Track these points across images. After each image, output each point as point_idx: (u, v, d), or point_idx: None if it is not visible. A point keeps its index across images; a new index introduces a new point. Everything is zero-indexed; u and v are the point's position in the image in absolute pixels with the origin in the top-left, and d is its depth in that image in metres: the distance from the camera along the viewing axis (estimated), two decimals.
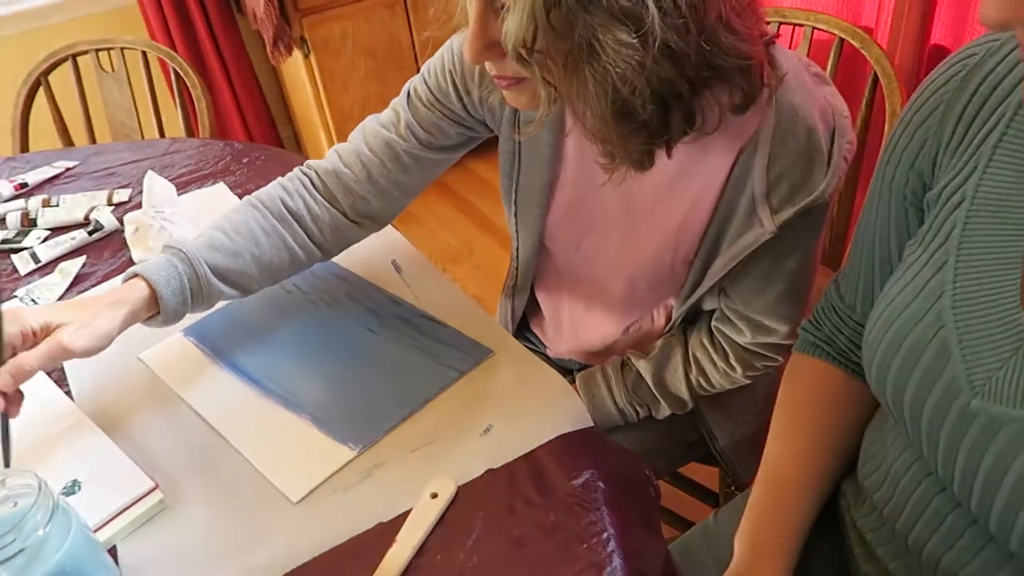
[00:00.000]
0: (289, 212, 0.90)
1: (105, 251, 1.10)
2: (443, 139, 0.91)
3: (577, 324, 1.04)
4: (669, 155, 0.71)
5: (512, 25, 0.61)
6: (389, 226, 1.06)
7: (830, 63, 1.19)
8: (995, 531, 0.53)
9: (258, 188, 1.19)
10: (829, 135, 0.75)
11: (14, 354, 0.72)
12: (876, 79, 1.14)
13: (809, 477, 0.74)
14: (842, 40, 1.17)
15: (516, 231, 0.96)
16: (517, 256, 1.00)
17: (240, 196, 1.18)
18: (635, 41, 0.59)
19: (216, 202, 1.18)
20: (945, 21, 1.34)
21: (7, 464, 0.71)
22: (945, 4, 1.33)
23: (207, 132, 1.58)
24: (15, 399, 0.72)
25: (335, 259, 1.00)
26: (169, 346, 0.90)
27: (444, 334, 0.88)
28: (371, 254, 1.01)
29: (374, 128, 0.93)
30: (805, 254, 0.82)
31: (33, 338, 0.73)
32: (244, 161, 1.28)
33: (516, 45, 0.62)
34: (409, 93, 0.91)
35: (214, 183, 1.23)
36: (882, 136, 1.22)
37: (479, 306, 0.92)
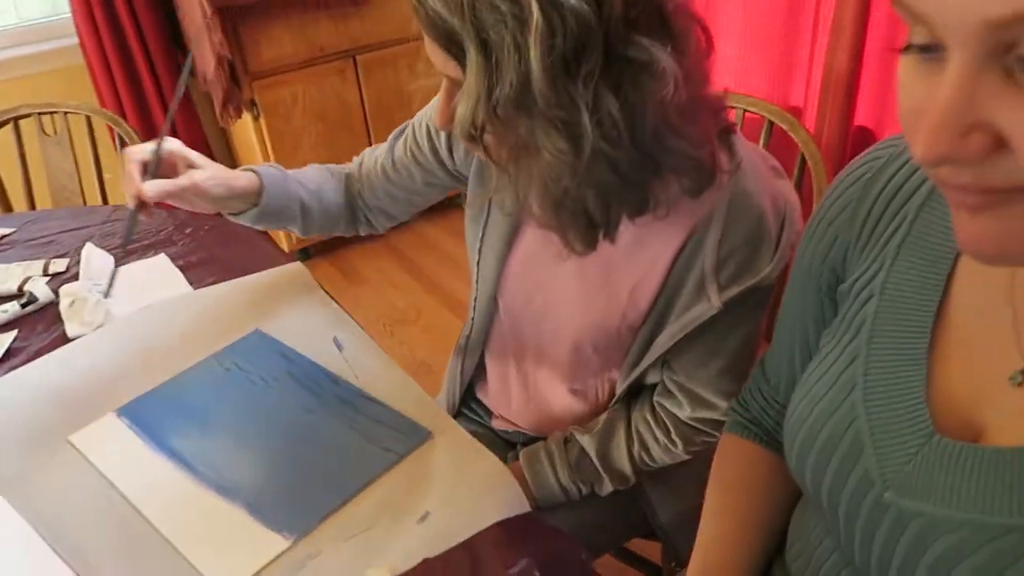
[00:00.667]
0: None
1: (38, 324, 1.08)
2: (408, 181, 1.00)
3: (525, 387, 1.05)
4: (612, 241, 0.75)
5: (460, 113, 0.66)
6: (331, 302, 1.07)
7: (761, 143, 1.25)
8: None
9: (200, 260, 1.20)
10: (778, 222, 0.79)
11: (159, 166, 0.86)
12: (804, 160, 1.19)
13: (740, 559, 0.76)
14: (771, 122, 1.23)
15: (476, 281, 0.99)
16: (474, 310, 1.02)
17: (182, 268, 1.17)
18: (567, 147, 0.64)
19: (156, 274, 1.16)
20: (868, 104, 1.43)
21: (123, 254, 0.94)
22: (867, 87, 1.41)
23: None
24: (149, 207, 0.87)
25: (277, 336, 1.00)
26: (101, 428, 0.88)
27: (383, 415, 0.88)
28: (313, 331, 1.01)
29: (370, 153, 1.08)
30: (748, 332, 0.85)
31: (174, 165, 0.89)
32: (187, 231, 1.27)
33: (465, 130, 0.67)
34: (401, 130, 1.01)
35: (155, 254, 1.21)
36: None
37: (420, 387, 0.92)
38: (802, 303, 0.71)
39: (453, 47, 0.65)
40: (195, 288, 1.13)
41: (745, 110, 1.26)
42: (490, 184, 0.78)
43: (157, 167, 0.87)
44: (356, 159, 1.09)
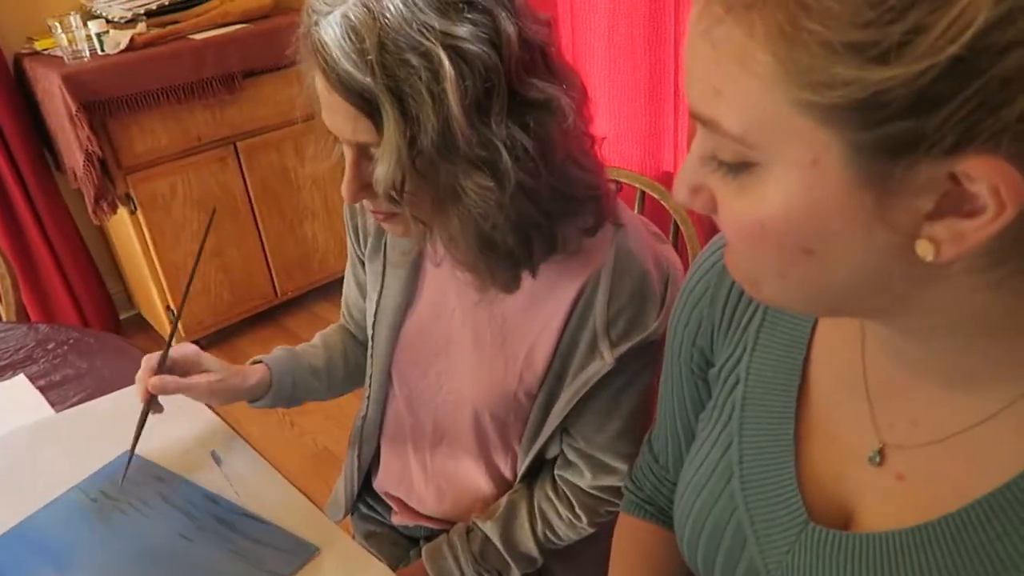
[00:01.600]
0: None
1: None
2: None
3: (425, 469, 1.02)
4: (534, 275, 0.79)
5: (381, 172, 0.68)
6: (209, 413, 1.01)
7: (635, 211, 1.28)
8: None
9: (64, 378, 1.12)
10: (662, 281, 0.82)
11: (171, 370, 0.88)
12: (677, 227, 1.24)
13: None
14: (644, 192, 1.27)
15: (371, 357, 0.98)
16: (369, 389, 1.01)
17: (42, 388, 1.09)
18: (493, 184, 0.68)
19: (14, 398, 1.08)
20: None
21: (130, 459, 0.89)
22: None
23: (12, 313, 1.46)
24: (158, 403, 0.89)
25: (151, 457, 0.94)
26: None
27: (265, 533, 0.83)
28: (189, 446, 0.96)
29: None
30: (641, 391, 0.87)
31: (186, 368, 0.90)
32: (49, 347, 1.19)
33: (387, 189, 0.69)
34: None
35: (13, 375, 1.13)
36: None
37: (305, 498, 0.87)
38: (678, 382, 0.72)
39: (367, 106, 0.66)
40: (57, 410, 1.05)
41: (619, 181, 1.30)
42: (412, 245, 0.84)
43: (164, 367, 0.88)
44: (342, 311, 1.12)
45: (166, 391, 0.87)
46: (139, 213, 2.23)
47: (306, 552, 0.80)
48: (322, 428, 2.17)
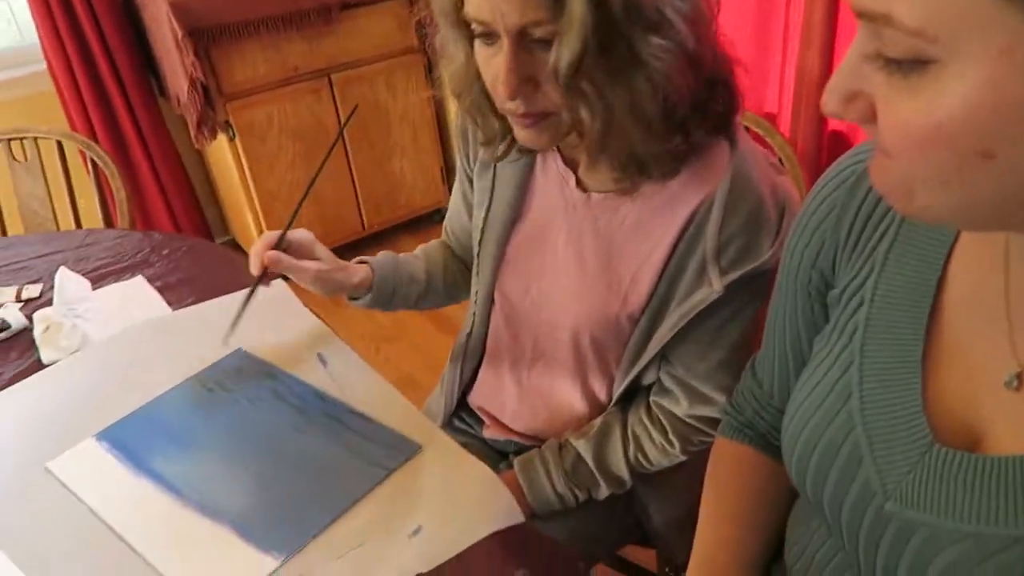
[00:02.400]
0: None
1: (12, 352, 1.05)
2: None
3: (521, 388, 1.04)
4: (677, 172, 0.79)
5: (567, 49, 0.67)
6: (315, 318, 1.06)
7: None
8: None
9: (178, 281, 1.18)
10: (778, 210, 0.80)
11: (287, 250, 0.92)
12: (781, 164, 1.20)
13: (739, 563, 0.75)
14: (747, 127, 1.24)
15: (476, 274, 1.00)
16: (475, 305, 1.03)
17: (160, 289, 1.15)
18: (668, 43, 0.69)
19: (133, 296, 1.14)
20: None
21: (233, 326, 0.94)
22: None
23: (126, 222, 1.54)
24: (268, 277, 0.92)
25: (261, 354, 0.98)
26: (79, 454, 0.86)
27: (371, 430, 0.86)
28: (298, 348, 1.00)
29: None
30: (746, 324, 0.86)
31: (301, 252, 0.93)
32: (164, 252, 1.25)
33: (568, 69, 0.68)
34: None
35: (132, 276, 1.19)
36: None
37: (407, 400, 0.91)
38: (791, 307, 0.70)
39: None
40: (174, 309, 1.11)
41: None
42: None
43: (282, 247, 0.92)
44: (443, 229, 1.14)
45: (279, 266, 0.90)
46: (237, 140, 2.30)
47: (410, 449, 0.84)
48: (407, 357, 2.23)
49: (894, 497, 0.54)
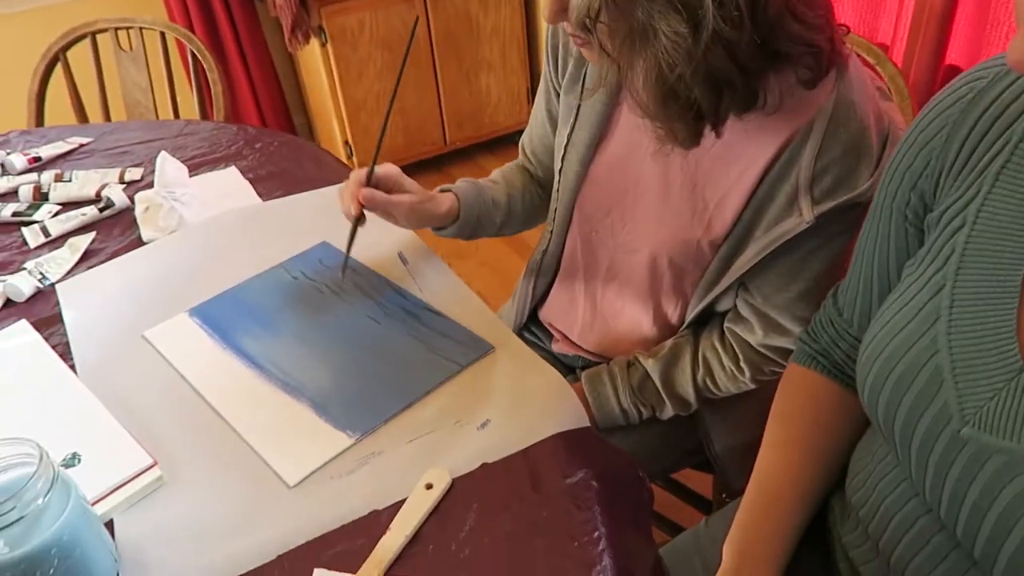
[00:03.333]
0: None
1: (115, 228, 1.11)
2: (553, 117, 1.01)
3: (593, 307, 1.04)
4: (718, 135, 0.75)
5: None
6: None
7: None
8: (979, 559, 0.54)
9: (269, 174, 1.21)
10: (881, 139, 0.76)
11: (376, 186, 0.90)
12: (890, 96, 1.14)
13: (800, 489, 0.75)
14: (857, 55, 1.17)
15: (557, 190, 0.99)
16: (553, 223, 1.03)
17: (251, 180, 1.19)
18: (686, 31, 0.63)
19: (227, 185, 1.18)
20: (961, 42, 1.35)
21: (346, 263, 0.96)
22: (962, 25, 1.33)
23: (221, 116, 1.58)
24: (364, 217, 0.92)
25: (344, 249, 1.01)
26: (174, 325, 0.91)
27: (447, 327, 0.88)
28: (379, 246, 1.02)
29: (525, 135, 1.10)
30: (834, 256, 0.83)
31: (389, 186, 0.91)
32: (257, 146, 1.28)
33: (580, 16, 0.68)
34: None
35: (226, 167, 1.23)
36: None
37: (483, 302, 0.92)
38: (884, 231, 0.68)
39: None
40: (264, 200, 1.14)
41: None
42: (596, 81, 0.80)
43: (371, 183, 0.90)
44: (520, 148, 1.12)
45: (375, 203, 0.89)
46: (329, 46, 2.31)
47: (482, 348, 0.85)
48: (477, 274, 2.26)
49: (972, 422, 0.53)
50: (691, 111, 0.71)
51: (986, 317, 0.54)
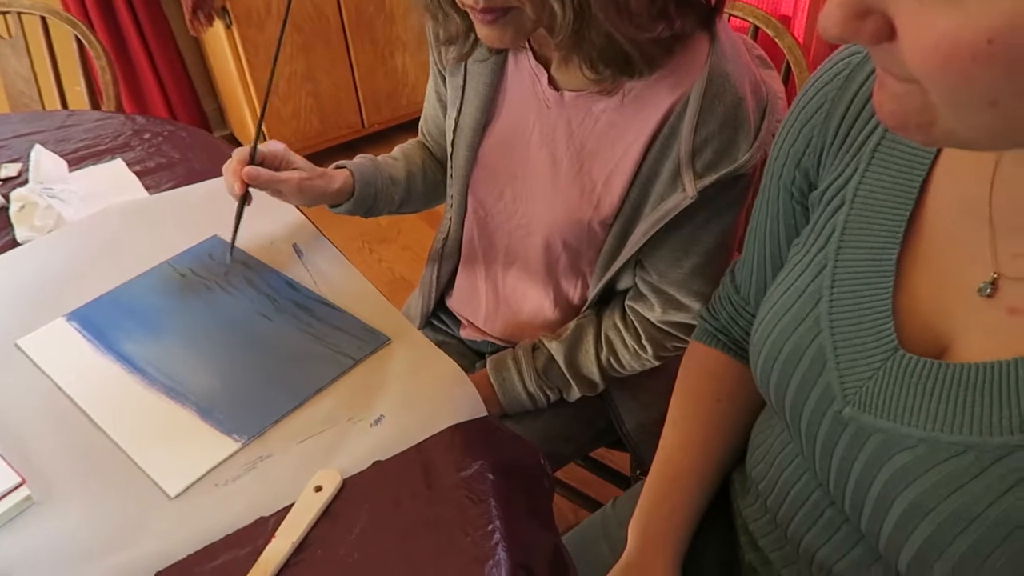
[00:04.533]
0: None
1: None
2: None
3: (495, 292, 1.03)
4: (660, 65, 0.74)
5: None
6: (294, 210, 1.03)
7: None
8: (865, 532, 0.54)
9: (159, 166, 1.15)
10: (759, 110, 0.76)
11: (261, 163, 0.87)
12: (789, 68, 1.14)
13: (702, 466, 0.75)
14: (757, 28, 1.17)
15: (450, 176, 0.97)
16: (451, 209, 1.01)
17: (138, 173, 1.13)
18: None
19: (112, 179, 1.12)
20: None
21: (232, 246, 0.92)
22: None
23: (112, 105, 1.50)
24: (250, 196, 0.89)
25: (238, 244, 0.97)
26: (50, 332, 0.86)
27: (341, 320, 0.85)
28: (274, 237, 0.98)
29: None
30: (723, 229, 0.83)
31: (276, 163, 0.89)
32: (145, 136, 1.22)
33: None
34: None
35: (111, 159, 1.16)
36: None
37: (381, 294, 0.89)
38: (773, 209, 0.68)
39: None
40: (152, 194, 1.09)
41: (730, 14, 1.20)
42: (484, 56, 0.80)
43: (255, 161, 0.87)
44: (419, 130, 1.11)
45: (259, 181, 0.86)
46: (234, 28, 2.22)
47: (378, 340, 0.83)
48: (399, 257, 2.22)
49: (852, 402, 0.53)
50: (658, 19, 0.69)
51: (864, 297, 0.54)
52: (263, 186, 0.87)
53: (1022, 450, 0.44)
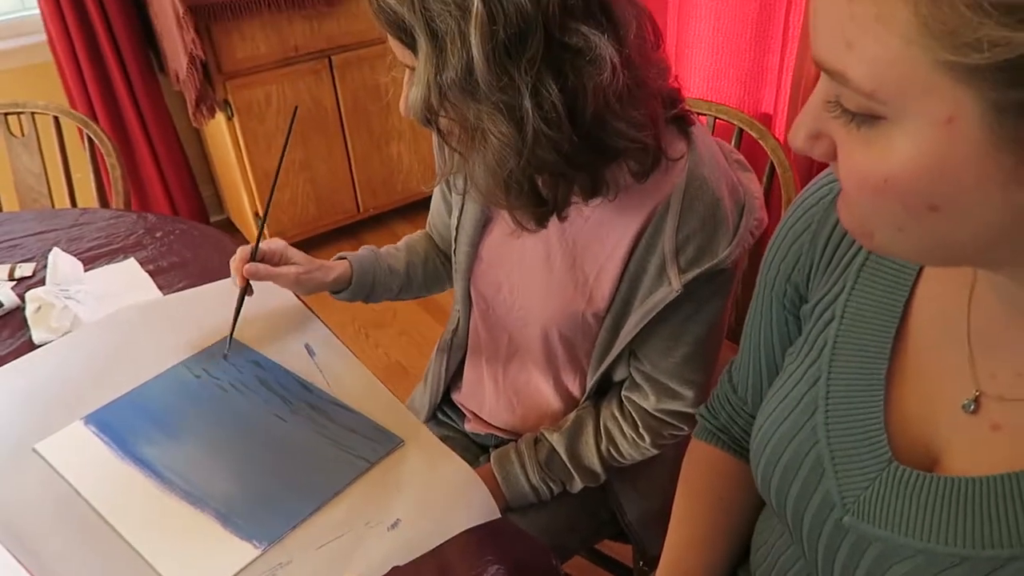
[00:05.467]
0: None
1: (3, 331, 1.06)
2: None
3: (498, 384, 1.05)
4: (561, 220, 0.81)
5: (412, 96, 0.72)
6: (304, 308, 1.07)
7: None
8: None
9: (171, 264, 1.19)
10: (737, 209, 0.82)
11: (262, 260, 0.96)
12: (773, 169, 1.21)
13: (707, 564, 0.77)
14: (742, 130, 1.25)
15: (455, 273, 1.02)
16: (458, 310, 1.05)
17: (151, 272, 1.16)
18: (511, 131, 0.69)
19: (125, 279, 1.15)
20: None
21: (231, 335, 1.00)
22: None
23: (121, 202, 1.55)
24: (251, 288, 0.98)
25: (248, 343, 1.00)
26: (67, 436, 0.87)
27: (355, 422, 0.88)
28: (285, 337, 1.01)
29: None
30: (711, 319, 0.87)
31: (275, 259, 0.98)
32: (157, 235, 1.26)
33: (416, 113, 0.73)
34: None
35: (124, 258, 1.20)
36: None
37: (391, 394, 0.92)
38: (767, 318, 0.72)
39: (405, 36, 0.70)
40: (165, 293, 1.12)
41: (716, 117, 1.27)
42: (443, 167, 0.83)
43: (256, 256, 0.96)
44: (427, 225, 1.17)
45: (258, 276, 0.94)
46: (235, 119, 2.30)
47: (392, 442, 0.85)
48: (396, 343, 2.24)
49: (852, 511, 0.56)
50: (529, 199, 0.76)
51: (857, 408, 0.58)
52: (262, 279, 0.95)
53: (1014, 563, 0.47)
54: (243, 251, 0.96)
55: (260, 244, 0.96)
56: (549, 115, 0.68)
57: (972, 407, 0.52)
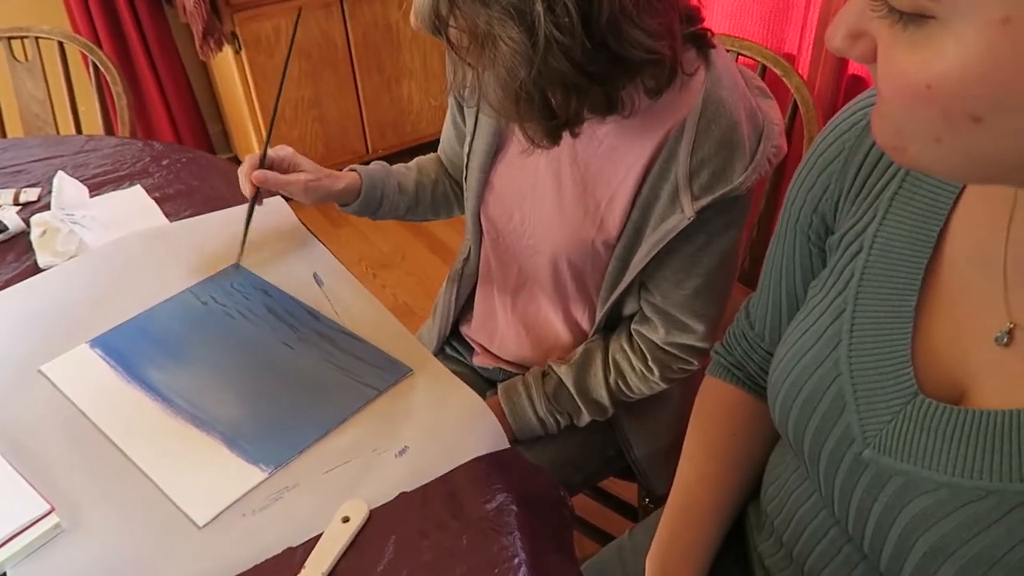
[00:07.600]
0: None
1: (9, 254, 1.05)
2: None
3: (508, 314, 1.04)
4: (573, 136, 0.79)
5: (420, 3, 0.70)
6: (312, 238, 1.05)
7: None
8: (884, 572, 0.55)
9: (177, 192, 1.17)
10: (755, 135, 0.79)
11: (270, 168, 0.95)
12: (796, 107, 1.17)
13: (718, 499, 0.76)
14: (765, 67, 1.21)
15: (467, 201, 1.00)
16: (469, 236, 1.04)
17: (158, 200, 1.14)
18: (523, 37, 0.66)
19: (132, 205, 1.13)
20: None
21: (242, 249, 1.00)
22: None
23: (127, 130, 1.52)
24: (261, 196, 0.98)
25: (256, 271, 0.98)
26: (73, 358, 0.87)
27: (363, 351, 0.87)
28: (293, 266, 0.99)
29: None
30: (724, 251, 0.85)
31: (284, 167, 0.97)
32: (163, 163, 1.23)
33: (428, 18, 0.70)
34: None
35: (130, 185, 1.18)
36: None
37: (400, 323, 0.91)
38: (789, 250, 0.69)
39: None
40: (171, 221, 1.10)
41: (739, 54, 1.23)
42: (453, 80, 0.80)
43: (264, 164, 0.95)
44: (440, 145, 1.14)
45: (267, 184, 0.93)
46: (243, 53, 2.25)
47: (400, 371, 0.84)
48: (403, 284, 2.23)
49: (873, 444, 0.54)
50: (541, 112, 0.73)
51: (884, 342, 0.56)
52: (272, 187, 0.94)
53: None
54: (251, 159, 0.95)
55: (268, 151, 0.95)
56: (561, 19, 0.66)
57: (1005, 340, 0.50)
